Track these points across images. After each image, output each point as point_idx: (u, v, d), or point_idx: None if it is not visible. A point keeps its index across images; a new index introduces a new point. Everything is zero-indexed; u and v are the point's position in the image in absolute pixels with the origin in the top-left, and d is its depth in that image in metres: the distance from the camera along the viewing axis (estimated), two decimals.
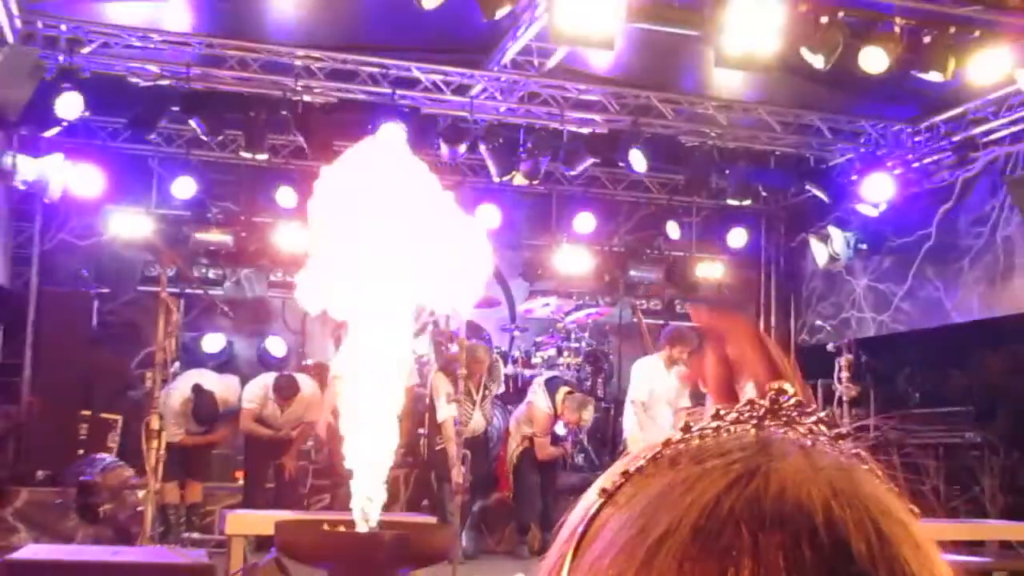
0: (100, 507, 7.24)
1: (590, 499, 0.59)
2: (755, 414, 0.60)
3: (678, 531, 0.52)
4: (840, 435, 0.60)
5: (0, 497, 7.93)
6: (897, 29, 7.62)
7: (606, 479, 0.60)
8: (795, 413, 0.61)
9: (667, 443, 0.59)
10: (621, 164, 10.90)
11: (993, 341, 8.08)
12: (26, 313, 10.94)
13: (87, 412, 9.54)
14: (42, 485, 8.49)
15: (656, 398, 8.65)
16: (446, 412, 8.41)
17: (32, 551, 4.98)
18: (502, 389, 9.69)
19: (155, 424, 6.23)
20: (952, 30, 7.70)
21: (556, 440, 9.22)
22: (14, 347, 10.80)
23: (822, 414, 0.60)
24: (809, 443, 0.58)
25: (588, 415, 9.25)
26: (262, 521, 5.74)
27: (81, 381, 10.11)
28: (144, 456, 6.33)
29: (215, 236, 11.52)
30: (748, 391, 0.74)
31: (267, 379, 9.02)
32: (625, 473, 0.59)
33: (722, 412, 0.61)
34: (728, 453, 0.57)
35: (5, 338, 10.71)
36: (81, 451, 8.72)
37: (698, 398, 9.51)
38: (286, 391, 8.70)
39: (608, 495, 0.57)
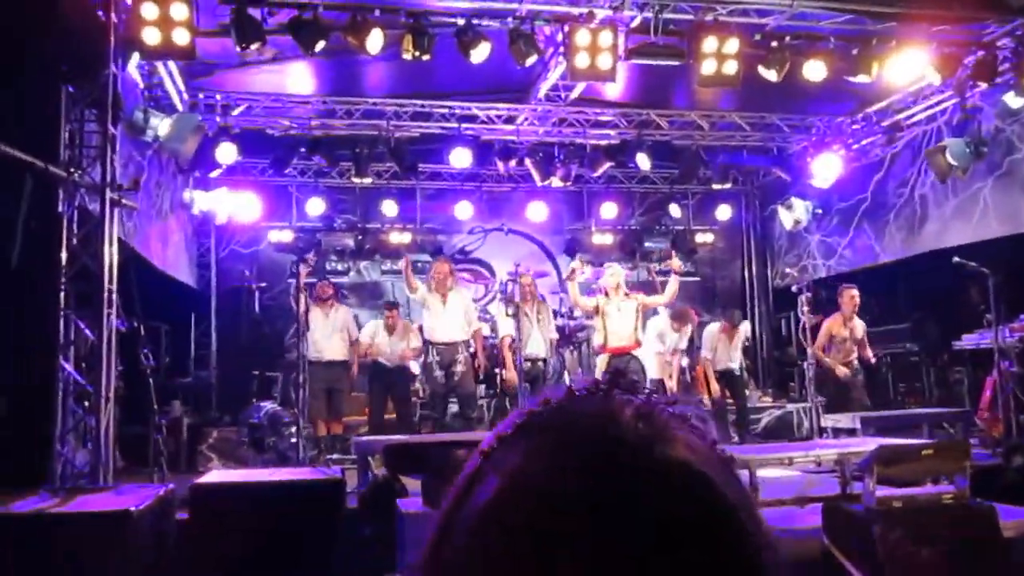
0: (265, 440, 7.34)
1: (474, 457, 0.53)
2: (601, 388, 0.54)
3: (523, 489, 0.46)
4: (671, 401, 0.54)
5: (198, 436, 8.08)
6: (831, 45, 7.36)
7: (487, 441, 0.55)
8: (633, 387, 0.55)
9: (530, 412, 0.54)
10: (631, 165, 10.75)
11: (912, 273, 7.92)
12: (210, 304, 11.19)
13: (256, 372, 9.66)
14: (227, 426, 8.64)
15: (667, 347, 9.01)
16: (505, 328, 8.42)
17: (213, 476, 5.07)
18: (552, 319, 9.36)
19: (301, 380, 6.27)
20: (874, 42, 7.41)
21: None
22: (203, 329, 11.05)
23: (653, 389, 0.56)
24: (644, 408, 0.52)
25: None
26: (385, 441, 5.79)
27: (251, 350, 10.28)
28: (295, 402, 6.40)
29: (339, 239, 11.63)
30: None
31: (378, 320, 9.07)
32: (499, 437, 0.54)
33: (575, 388, 0.54)
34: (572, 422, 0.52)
35: (197, 323, 10.95)
36: (253, 400, 8.82)
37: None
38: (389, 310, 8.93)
39: (485, 456, 0.52)
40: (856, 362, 8.45)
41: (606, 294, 8.01)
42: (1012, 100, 8.13)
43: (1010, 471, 5.92)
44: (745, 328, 9.59)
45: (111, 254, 5.47)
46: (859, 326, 8.47)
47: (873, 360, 8.65)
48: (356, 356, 8.72)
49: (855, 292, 8.44)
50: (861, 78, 7.49)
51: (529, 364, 8.58)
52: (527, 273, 8.92)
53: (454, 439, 5.42)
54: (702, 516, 0.46)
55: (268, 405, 8.06)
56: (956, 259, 7.36)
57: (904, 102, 9.77)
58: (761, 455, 4.73)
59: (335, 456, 7.20)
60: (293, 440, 6.53)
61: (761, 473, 4.72)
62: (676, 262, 8.40)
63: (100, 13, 5.80)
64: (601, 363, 7.51)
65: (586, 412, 0.52)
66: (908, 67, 7.54)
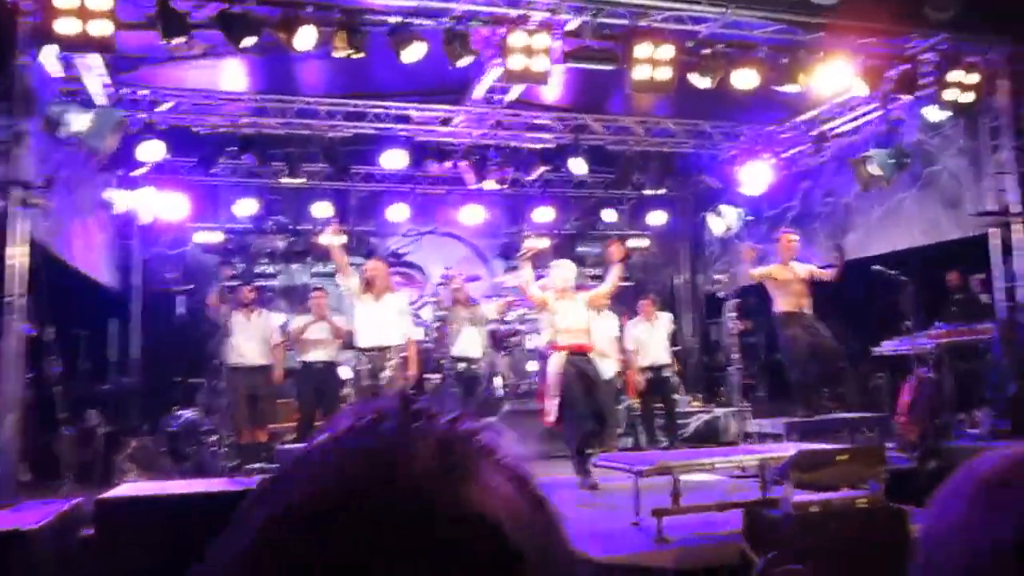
0: (184, 450, 7.11)
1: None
2: (385, 415, 0.49)
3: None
4: (455, 418, 0.50)
5: (115, 446, 7.78)
6: (761, 55, 7.47)
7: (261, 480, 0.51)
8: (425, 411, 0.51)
9: (306, 450, 0.50)
10: (566, 169, 10.75)
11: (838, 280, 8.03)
12: (132, 309, 10.85)
13: (179, 378, 9.37)
14: (147, 435, 8.33)
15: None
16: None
17: (123, 489, 4.85)
18: (485, 322, 9.28)
19: (222, 387, 6.09)
20: (803, 53, 7.55)
21: None
22: (124, 335, 10.69)
23: (442, 411, 0.51)
24: (445, 441, 0.48)
25: None
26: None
27: (175, 355, 9.96)
28: (216, 409, 6.21)
29: (270, 241, 11.40)
30: None
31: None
32: (295, 462, 0.50)
33: (360, 415, 0.50)
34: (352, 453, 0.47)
35: (118, 328, 10.59)
36: (176, 407, 8.53)
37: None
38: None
39: (271, 482, 0.49)
40: (808, 308, 8.18)
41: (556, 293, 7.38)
42: (932, 113, 8.37)
43: (924, 474, 6.07)
44: (668, 318, 9.56)
45: (18, 256, 5.23)
46: (802, 267, 8.25)
47: (837, 265, 8.16)
48: (280, 360, 8.47)
49: (793, 236, 8.34)
50: (789, 87, 7.64)
51: (464, 365, 8.52)
52: (458, 277, 8.90)
53: None
54: (485, 571, 0.42)
55: (187, 413, 7.81)
56: (875, 267, 7.53)
57: (831, 112, 9.99)
58: (684, 460, 4.76)
59: (257, 465, 6.98)
60: (213, 449, 6.33)
61: (685, 478, 4.74)
62: (616, 248, 7.82)
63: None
64: (556, 362, 6.86)
65: (371, 449, 0.47)
66: (835, 78, 7.69)
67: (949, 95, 7.86)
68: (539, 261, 9.66)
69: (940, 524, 0.71)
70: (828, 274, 8.02)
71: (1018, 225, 7.85)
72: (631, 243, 12.42)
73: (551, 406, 6.70)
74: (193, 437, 7.09)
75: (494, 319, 9.75)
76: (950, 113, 8.20)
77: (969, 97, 7.90)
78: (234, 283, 8.50)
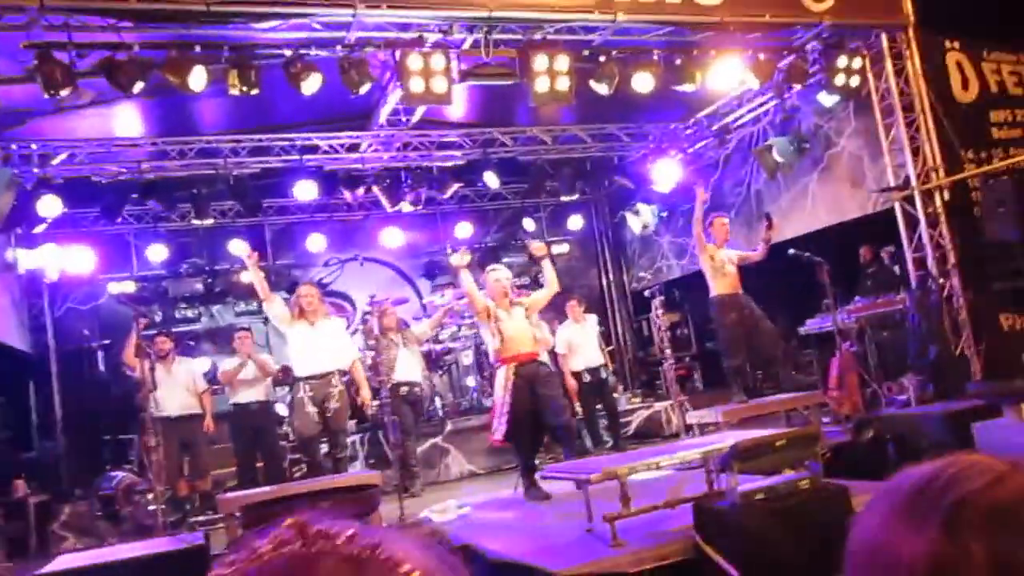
0: (120, 512, 6.84)
1: None
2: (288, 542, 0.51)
3: None
4: (375, 544, 0.51)
5: (47, 515, 7.43)
6: (656, 57, 7.61)
7: None
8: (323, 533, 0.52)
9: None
10: (481, 184, 10.78)
11: (758, 266, 8.15)
12: (50, 370, 10.35)
13: (107, 437, 9.01)
14: (80, 500, 7.97)
15: None
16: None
17: (61, 561, 4.62)
18: (420, 343, 9.04)
19: (152, 442, 5.88)
20: (695, 52, 7.73)
21: None
22: (45, 397, 10.21)
23: (346, 531, 0.52)
24: (351, 551, 0.50)
25: None
26: (247, 498, 5.48)
27: (99, 413, 9.56)
28: (149, 466, 5.99)
29: (187, 285, 11.09)
30: None
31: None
32: None
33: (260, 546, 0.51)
34: None
35: (37, 391, 10.12)
36: (107, 467, 8.19)
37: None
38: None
39: None
40: (740, 289, 8.10)
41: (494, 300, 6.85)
42: (825, 99, 8.69)
43: (860, 446, 6.26)
44: (594, 319, 9.60)
45: None
46: (732, 252, 8.21)
47: (768, 236, 8.02)
48: (209, 407, 8.20)
49: (725, 219, 8.37)
50: (687, 87, 7.80)
51: (406, 388, 8.31)
52: (386, 302, 8.74)
53: (318, 488, 5.19)
54: None
55: (119, 474, 7.50)
56: (791, 251, 7.75)
57: (730, 106, 10.27)
58: (629, 463, 4.79)
59: (201, 518, 6.72)
60: (151, 507, 6.09)
61: (633, 478, 4.78)
62: (536, 244, 7.46)
63: None
64: (504, 375, 6.48)
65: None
66: (728, 74, 7.89)
67: (839, 80, 8.17)
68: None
69: (861, 538, 0.72)
70: (756, 255, 8.03)
71: (919, 196, 8.20)
72: (553, 249, 12.48)
73: (499, 425, 6.46)
74: (128, 497, 6.81)
75: (428, 338, 9.65)
76: (841, 97, 8.52)
77: (856, 81, 8.23)
78: (150, 332, 8.20)
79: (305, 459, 7.86)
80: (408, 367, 8.43)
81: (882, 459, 6.01)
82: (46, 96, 5.97)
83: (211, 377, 8.85)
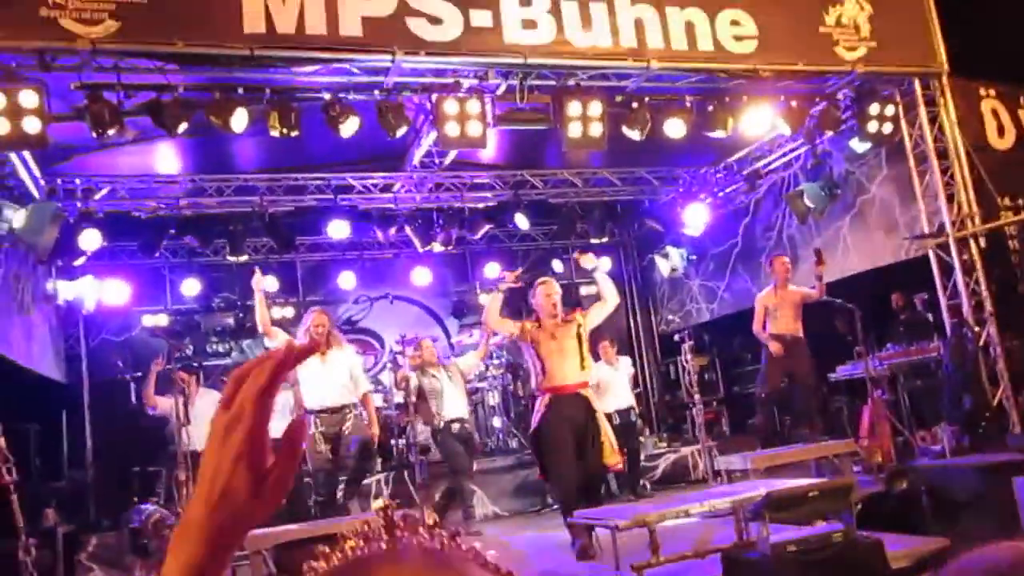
0: (149, 545, 6.87)
1: None
2: (378, 531, 0.55)
3: None
4: (454, 534, 0.55)
5: (75, 545, 7.48)
6: (688, 104, 7.67)
7: None
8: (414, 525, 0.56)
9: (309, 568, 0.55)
10: (511, 225, 10.85)
11: None
12: (83, 400, 10.50)
13: (136, 468, 9.08)
14: (108, 531, 8.01)
15: None
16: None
17: None
18: (465, 379, 8.58)
19: (183, 476, 5.92)
20: (727, 99, 7.77)
21: None
22: (77, 426, 10.33)
23: (430, 522, 0.56)
24: (432, 544, 0.53)
25: None
26: (272, 536, 5.49)
27: (129, 445, 9.63)
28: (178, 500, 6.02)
29: (219, 319, 11.23)
30: None
31: None
32: None
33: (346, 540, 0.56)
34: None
35: (69, 420, 10.24)
36: (136, 498, 8.24)
37: None
38: None
39: None
40: (798, 332, 8.07)
41: (537, 320, 6.20)
42: (856, 145, 8.69)
43: (892, 497, 6.15)
44: (628, 362, 9.58)
45: None
46: (795, 292, 8.13)
47: (820, 273, 7.95)
48: None
49: (785, 259, 8.31)
50: (718, 133, 7.83)
51: (457, 425, 7.98)
52: (426, 339, 8.56)
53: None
54: None
55: (149, 507, 7.53)
56: (825, 297, 7.71)
57: (761, 151, 10.30)
58: (658, 511, 4.75)
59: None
60: None
61: (662, 525, 4.74)
62: (587, 256, 6.73)
63: None
64: (537, 409, 5.84)
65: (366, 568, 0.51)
66: (760, 120, 7.92)
67: (871, 127, 8.17)
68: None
69: None
70: (816, 292, 7.99)
71: (953, 244, 8.13)
72: (582, 291, 12.52)
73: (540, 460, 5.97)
74: (158, 531, 6.83)
75: (478, 371, 9.60)
76: (872, 144, 8.52)
77: (889, 128, 8.23)
78: (173, 367, 8.27)
79: (319, 496, 7.41)
80: (456, 403, 8.04)
81: (916, 511, 5.89)
82: (93, 135, 6.14)
83: None
